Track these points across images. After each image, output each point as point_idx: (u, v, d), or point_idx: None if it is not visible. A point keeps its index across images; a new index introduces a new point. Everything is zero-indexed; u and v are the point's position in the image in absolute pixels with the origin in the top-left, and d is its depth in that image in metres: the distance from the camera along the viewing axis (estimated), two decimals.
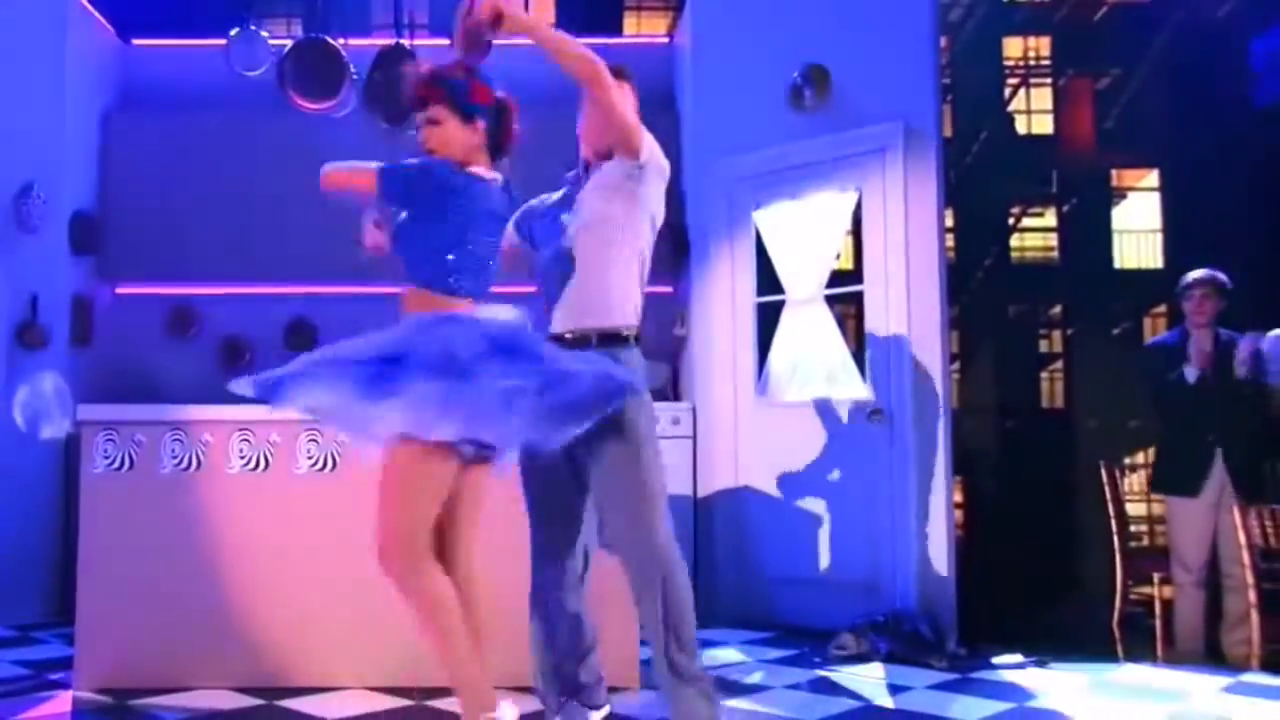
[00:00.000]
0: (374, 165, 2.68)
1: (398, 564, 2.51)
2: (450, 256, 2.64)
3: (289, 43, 4.98)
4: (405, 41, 5.05)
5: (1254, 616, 4.13)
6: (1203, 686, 3.81)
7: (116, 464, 3.71)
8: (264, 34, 5.14)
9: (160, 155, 5.92)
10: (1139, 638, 4.73)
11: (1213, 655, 4.37)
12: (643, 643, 3.76)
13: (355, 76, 4.88)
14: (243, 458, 3.73)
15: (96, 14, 5.94)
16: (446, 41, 5.19)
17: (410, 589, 2.52)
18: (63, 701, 3.50)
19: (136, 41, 6.27)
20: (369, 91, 4.84)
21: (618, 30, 10.37)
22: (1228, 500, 4.35)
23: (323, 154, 6.41)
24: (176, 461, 3.72)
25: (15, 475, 5.01)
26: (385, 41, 5.08)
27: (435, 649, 2.57)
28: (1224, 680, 3.90)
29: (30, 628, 4.72)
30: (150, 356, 6.04)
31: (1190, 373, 4.50)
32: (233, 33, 5.08)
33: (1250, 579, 4.12)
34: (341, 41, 4.92)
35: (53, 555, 5.17)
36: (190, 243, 5.88)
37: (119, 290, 6.10)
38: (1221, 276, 4.60)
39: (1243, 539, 4.13)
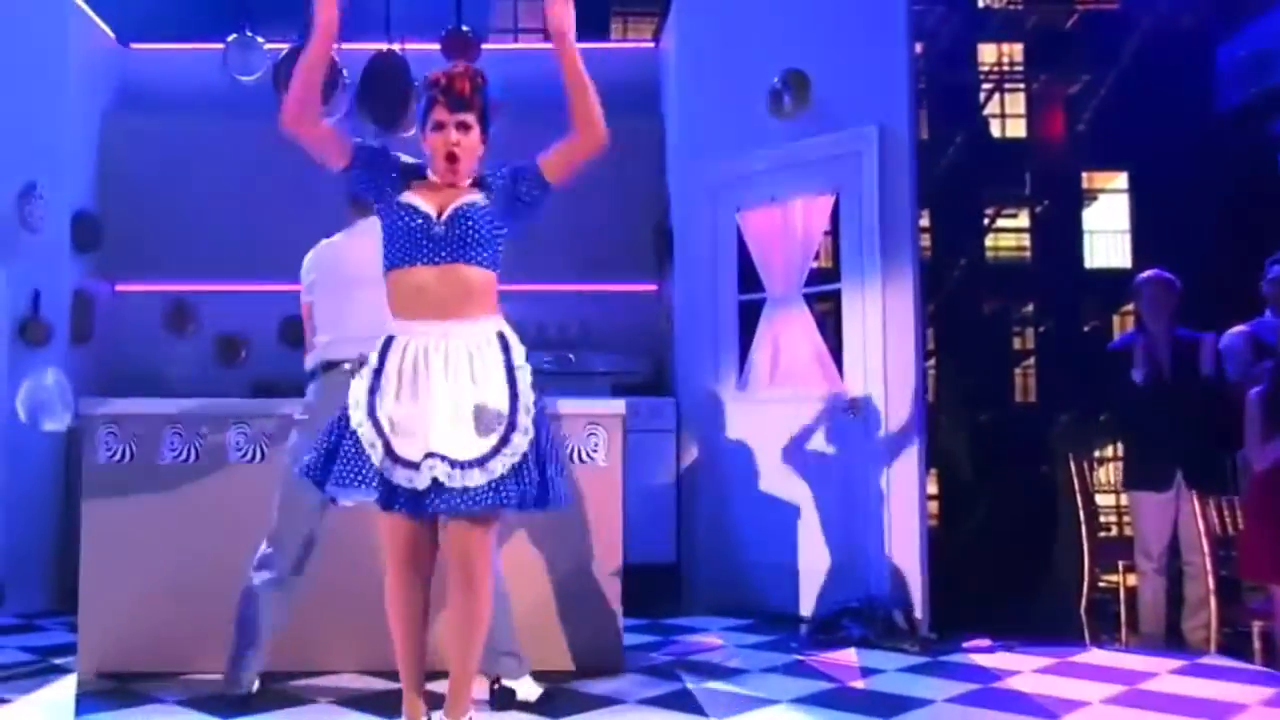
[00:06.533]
0: None
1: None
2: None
3: (284, 48, 5.10)
4: (396, 47, 5.18)
5: (1212, 602, 4.28)
6: (1161, 668, 3.96)
7: (118, 456, 3.81)
8: (260, 40, 5.26)
9: (159, 156, 6.06)
10: (1105, 623, 4.88)
11: (1174, 639, 4.50)
12: (627, 629, 3.92)
13: (348, 82, 5.01)
14: (239, 449, 3.84)
15: (96, 18, 6.07)
16: (436, 46, 5.35)
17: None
18: (67, 684, 3.62)
19: (135, 45, 6.40)
20: (361, 96, 4.98)
21: (605, 35, 10.52)
22: (1186, 491, 4.45)
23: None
24: (175, 453, 3.83)
25: (19, 469, 5.12)
26: (377, 46, 5.21)
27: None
28: (1182, 662, 4.05)
29: (34, 616, 4.84)
30: (149, 352, 6.18)
31: (1137, 374, 4.55)
32: (230, 38, 5.21)
33: (1208, 566, 4.26)
34: (335, 47, 5.04)
35: (55, 546, 5.29)
36: (188, 241, 6.02)
37: (119, 287, 6.23)
38: (1169, 275, 4.67)
39: (1201, 528, 4.27)
